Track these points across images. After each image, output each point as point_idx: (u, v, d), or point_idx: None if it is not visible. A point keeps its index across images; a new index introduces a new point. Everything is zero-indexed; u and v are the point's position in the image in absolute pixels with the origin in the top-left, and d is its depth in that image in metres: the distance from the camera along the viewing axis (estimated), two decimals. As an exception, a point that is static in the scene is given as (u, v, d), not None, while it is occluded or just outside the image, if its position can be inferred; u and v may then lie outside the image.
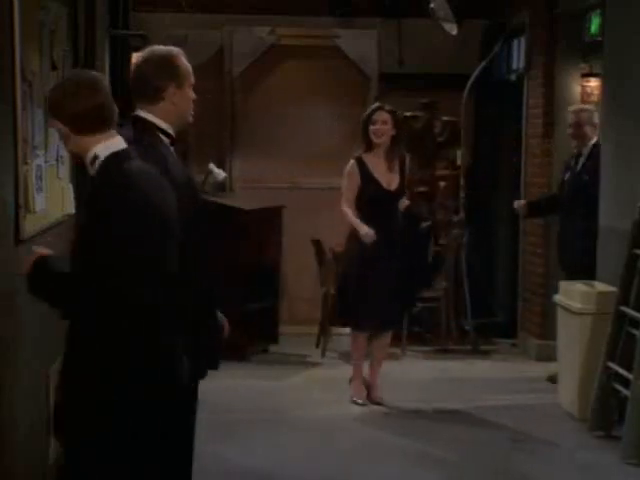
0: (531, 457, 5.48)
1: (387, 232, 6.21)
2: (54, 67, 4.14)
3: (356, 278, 6.28)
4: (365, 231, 6.15)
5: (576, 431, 5.95)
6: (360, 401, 6.43)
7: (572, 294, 6.29)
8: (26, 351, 3.81)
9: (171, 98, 3.30)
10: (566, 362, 6.36)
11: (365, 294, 6.26)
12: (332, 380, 6.92)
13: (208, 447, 5.56)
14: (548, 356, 7.17)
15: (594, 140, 6.78)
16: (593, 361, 5.94)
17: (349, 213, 6.30)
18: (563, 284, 6.50)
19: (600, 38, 6.87)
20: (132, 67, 3.46)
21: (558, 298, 6.49)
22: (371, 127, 6.30)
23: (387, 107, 6.38)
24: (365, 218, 6.24)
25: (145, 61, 3.35)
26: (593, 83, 7.56)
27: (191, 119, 3.42)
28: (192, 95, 3.39)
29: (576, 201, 6.78)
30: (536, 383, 6.93)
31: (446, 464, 5.35)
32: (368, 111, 6.39)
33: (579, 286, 6.30)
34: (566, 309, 6.33)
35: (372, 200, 6.27)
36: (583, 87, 7.66)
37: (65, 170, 4.43)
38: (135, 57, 3.64)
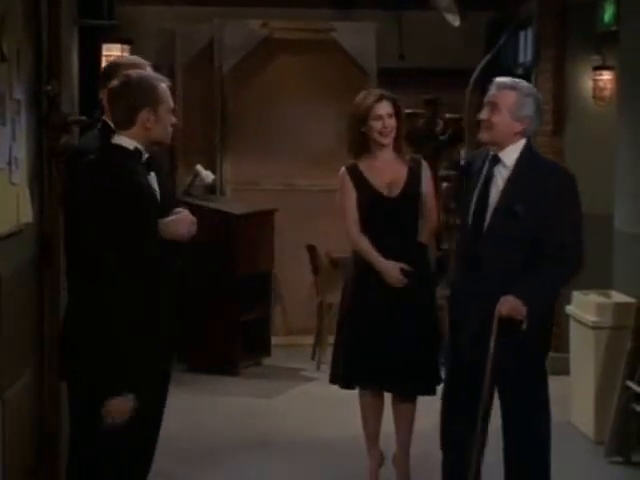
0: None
1: (389, 256, 4.72)
2: (3, 58, 3.68)
3: (344, 315, 4.93)
4: (390, 272, 4.61)
5: (591, 455, 5.53)
6: None
7: (586, 305, 5.84)
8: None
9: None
10: (580, 379, 5.93)
11: (352, 335, 4.82)
12: (327, 398, 6.46)
13: (192, 474, 5.18)
14: (560, 370, 6.71)
15: (522, 142, 4.11)
16: (610, 379, 5.53)
17: (364, 243, 4.72)
18: (576, 294, 6.04)
19: (614, 28, 6.54)
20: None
21: (571, 309, 6.04)
22: (374, 124, 4.75)
23: (390, 95, 4.88)
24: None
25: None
26: (606, 76, 7.23)
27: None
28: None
29: (498, 248, 4.01)
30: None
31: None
32: (368, 101, 4.78)
33: (594, 297, 5.86)
34: (579, 322, 5.89)
35: (368, 213, 4.75)
36: (595, 81, 7.32)
37: (21, 174, 3.94)
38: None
